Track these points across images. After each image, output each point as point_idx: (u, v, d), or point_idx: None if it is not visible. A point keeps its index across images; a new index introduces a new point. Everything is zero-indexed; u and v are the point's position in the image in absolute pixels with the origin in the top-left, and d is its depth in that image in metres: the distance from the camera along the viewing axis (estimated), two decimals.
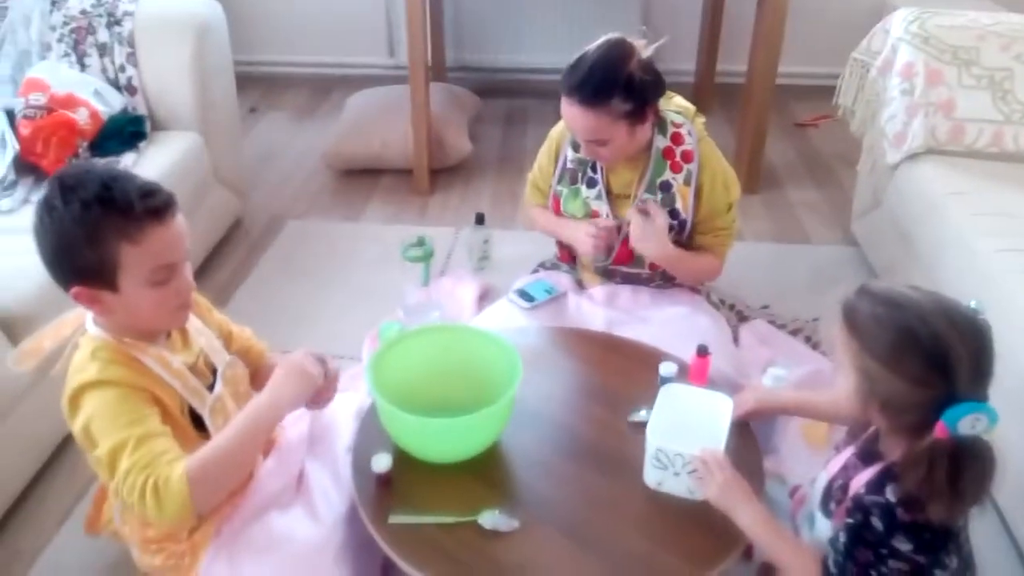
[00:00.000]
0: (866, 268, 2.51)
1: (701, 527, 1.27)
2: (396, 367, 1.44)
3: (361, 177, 3.14)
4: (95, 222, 1.12)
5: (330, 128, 3.36)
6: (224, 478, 1.20)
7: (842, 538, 1.11)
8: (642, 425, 1.36)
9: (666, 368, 1.53)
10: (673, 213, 1.81)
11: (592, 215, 1.88)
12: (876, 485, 1.09)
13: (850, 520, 1.10)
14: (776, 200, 2.98)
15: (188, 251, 1.23)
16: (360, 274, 2.52)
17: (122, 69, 2.41)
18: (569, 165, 1.89)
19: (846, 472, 1.19)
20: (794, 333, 2.20)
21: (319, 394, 1.33)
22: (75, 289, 1.17)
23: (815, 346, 2.16)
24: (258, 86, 3.98)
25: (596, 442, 1.45)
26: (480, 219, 2.48)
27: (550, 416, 1.51)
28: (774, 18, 2.69)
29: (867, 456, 1.17)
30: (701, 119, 1.86)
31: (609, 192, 1.86)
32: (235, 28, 2.76)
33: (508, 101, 3.86)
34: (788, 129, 3.57)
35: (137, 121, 2.38)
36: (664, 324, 1.83)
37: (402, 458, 1.37)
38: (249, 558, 1.25)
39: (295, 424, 1.48)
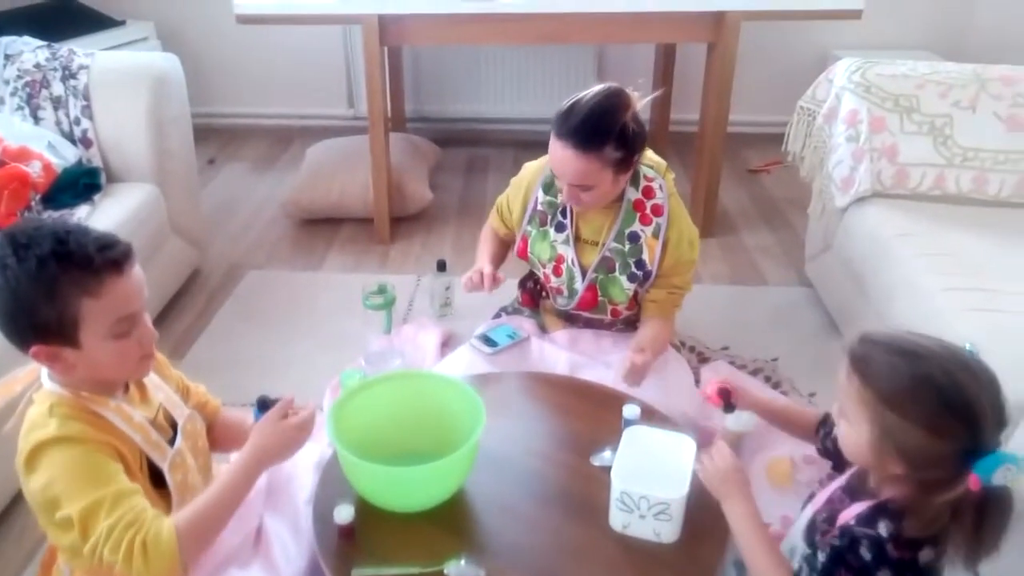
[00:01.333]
0: (821, 309, 2.56)
1: (668, 570, 1.27)
2: (358, 416, 1.42)
3: (321, 226, 3.14)
4: (53, 278, 1.09)
5: (290, 178, 3.37)
6: (212, 533, 1.21)
7: (821, 557, 1.09)
8: (606, 468, 1.35)
9: (629, 410, 1.53)
10: (639, 264, 1.84)
11: (557, 259, 1.89)
12: (868, 519, 1.09)
13: (835, 543, 1.09)
14: (732, 244, 3.05)
15: (146, 300, 1.21)
16: (321, 323, 2.50)
17: (77, 122, 2.39)
18: (539, 207, 1.91)
19: (832, 505, 1.18)
20: (754, 373, 2.23)
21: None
22: (34, 348, 1.13)
23: (775, 386, 2.19)
24: (218, 138, 3.98)
25: (561, 486, 1.44)
26: (442, 266, 2.49)
27: (514, 461, 1.50)
28: (723, 68, 2.79)
29: (855, 492, 1.17)
30: (671, 175, 1.89)
31: (578, 238, 1.88)
32: (195, 80, 2.77)
33: (468, 150, 3.91)
34: (741, 175, 3.67)
35: (92, 173, 2.36)
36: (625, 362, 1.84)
37: (365, 509, 1.34)
38: None
39: None
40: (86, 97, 2.39)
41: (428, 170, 3.38)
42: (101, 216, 2.20)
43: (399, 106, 3.85)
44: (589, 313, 1.94)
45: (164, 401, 1.32)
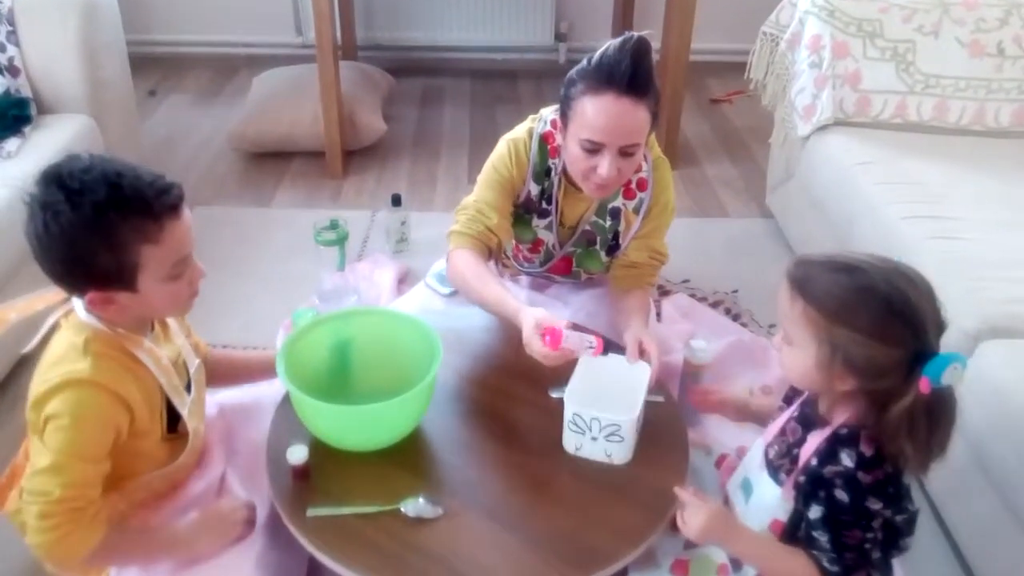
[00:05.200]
0: (782, 239, 2.55)
1: (628, 502, 1.26)
2: (311, 354, 1.38)
3: (270, 160, 3.02)
4: (113, 226, 1.05)
5: (236, 110, 3.22)
6: (117, 565, 1.19)
7: (822, 538, 1.08)
8: (563, 401, 1.33)
9: (588, 342, 1.50)
10: (616, 235, 1.74)
11: (536, 242, 1.78)
12: (829, 454, 1.08)
13: (819, 508, 1.08)
14: (694, 175, 3.01)
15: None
16: (272, 261, 2.43)
17: (2, 49, 2.24)
18: (532, 198, 1.73)
19: (784, 437, 1.18)
20: (715, 305, 2.23)
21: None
22: (90, 295, 1.10)
23: (735, 317, 2.19)
24: (158, 67, 3.80)
25: (519, 421, 1.42)
26: (396, 200, 2.42)
27: (472, 397, 1.48)
28: None
29: (807, 421, 1.16)
30: (651, 133, 1.67)
31: (561, 224, 1.76)
32: (131, 6, 2.61)
33: (423, 80, 3.78)
34: (703, 105, 3.61)
35: (21, 104, 2.22)
36: (585, 301, 1.81)
37: (319, 449, 1.31)
38: (166, 566, 1.20)
39: (213, 426, 1.41)
40: (11, 22, 2.23)
41: (381, 100, 3.26)
42: (32, 149, 2.08)
43: (349, 33, 3.70)
44: (562, 278, 1.88)
45: (182, 347, 1.30)
